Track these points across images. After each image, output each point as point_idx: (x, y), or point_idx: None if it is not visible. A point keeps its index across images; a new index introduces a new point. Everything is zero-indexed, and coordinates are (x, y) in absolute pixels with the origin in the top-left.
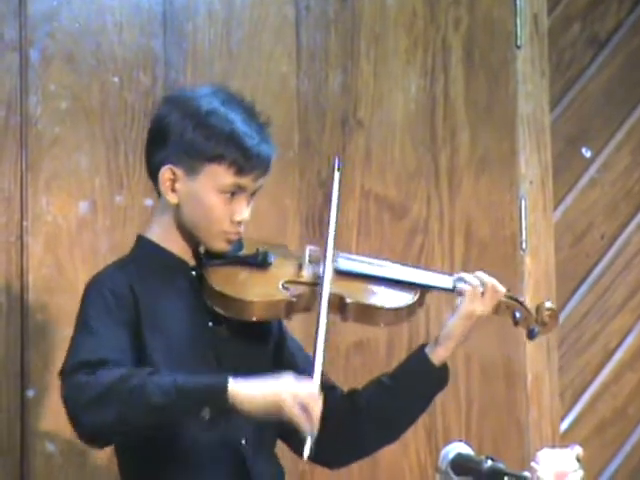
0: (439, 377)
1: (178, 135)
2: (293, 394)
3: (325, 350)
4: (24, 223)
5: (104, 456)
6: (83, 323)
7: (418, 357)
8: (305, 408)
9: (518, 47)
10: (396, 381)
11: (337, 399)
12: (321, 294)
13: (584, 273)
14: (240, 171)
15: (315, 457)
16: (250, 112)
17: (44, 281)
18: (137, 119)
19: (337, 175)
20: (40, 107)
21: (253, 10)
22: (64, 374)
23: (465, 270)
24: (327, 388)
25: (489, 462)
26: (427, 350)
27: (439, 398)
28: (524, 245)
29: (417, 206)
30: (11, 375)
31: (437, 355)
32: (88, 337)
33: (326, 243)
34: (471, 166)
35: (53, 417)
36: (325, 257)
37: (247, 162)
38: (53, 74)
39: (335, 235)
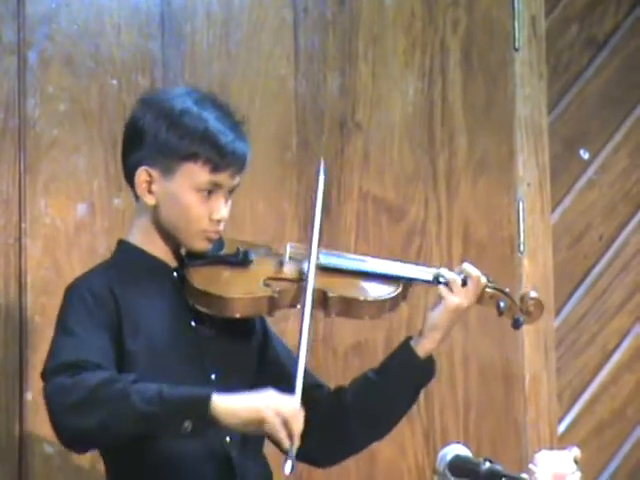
0: (425, 369)
1: (152, 136)
2: (275, 410)
3: (308, 349)
4: (22, 225)
5: (101, 458)
6: (64, 326)
7: (403, 350)
8: (286, 424)
9: (516, 49)
10: (382, 375)
11: (324, 397)
12: (305, 294)
13: (582, 275)
14: (215, 168)
15: (304, 455)
16: (224, 111)
17: (42, 283)
18: None
19: (322, 178)
20: (38, 109)
21: (251, 12)
22: (46, 376)
23: None
24: (313, 386)
25: (487, 464)
26: (412, 343)
27: (437, 399)
28: (522, 247)
29: (415, 208)
30: (9, 377)
31: (422, 347)
32: (69, 339)
33: (311, 240)
34: (469, 168)
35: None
36: (310, 252)
37: (222, 159)
38: (51, 76)
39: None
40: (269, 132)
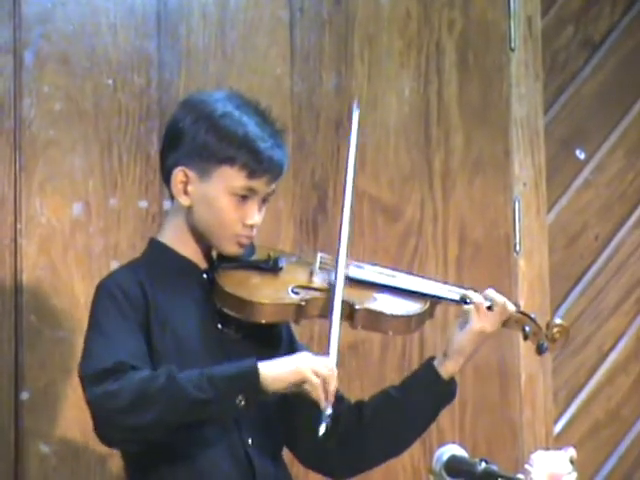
0: (447, 391)
1: (191, 137)
2: (315, 371)
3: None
4: (18, 225)
5: (98, 457)
6: (96, 325)
7: (427, 370)
8: (324, 384)
9: (512, 49)
10: (403, 393)
11: (344, 410)
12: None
13: (578, 275)
14: (252, 174)
15: (321, 467)
16: (264, 117)
17: (38, 283)
18: (131, 121)
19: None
20: (34, 109)
21: (247, 11)
22: (86, 384)
23: (459, 273)
24: (335, 399)
25: (483, 464)
26: (436, 363)
27: None
28: (518, 247)
29: (411, 208)
30: (5, 377)
31: (446, 369)
32: (103, 340)
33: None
34: (465, 168)
35: (47, 418)
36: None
37: (259, 165)
38: (47, 76)
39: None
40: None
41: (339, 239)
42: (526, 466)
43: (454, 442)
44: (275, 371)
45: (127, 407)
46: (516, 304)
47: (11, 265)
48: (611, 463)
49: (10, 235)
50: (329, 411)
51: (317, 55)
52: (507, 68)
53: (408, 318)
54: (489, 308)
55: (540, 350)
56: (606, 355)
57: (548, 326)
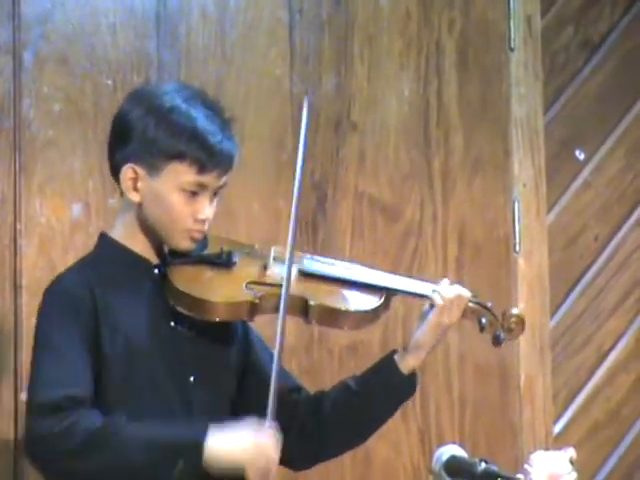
0: (407, 386)
1: (140, 132)
2: (257, 470)
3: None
4: (18, 226)
5: None
6: (46, 343)
7: (387, 364)
8: (265, 476)
9: (512, 50)
10: (363, 387)
11: (302, 401)
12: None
13: (577, 275)
14: (202, 169)
15: (280, 459)
16: (213, 109)
17: (37, 283)
18: None
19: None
20: (33, 110)
21: (247, 12)
22: (34, 412)
23: (459, 273)
24: (292, 389)
25: (483, 464)
26: (396, 358)
27: (432, 399)
28: (517, 247)
29: (411, 209)
30: (5, 377)
31: (406, 364)
32: (54, 365)
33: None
34: (465, 169)
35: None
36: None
37: (209, 160)
38: (46, 76)
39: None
40: (264, 132)
41: (290, 235)
42: (526, 466)
43: (454, 442)
44: (221, 454)
45: (69, 453)
46: (473, 294)
47: (11, 265)
48: (611, 463)
49: (10, 235)
50: None
51: (316, 55)
52: (507, 68)
53: (363, 313)
54: (444, 300)
55: (497, 341)
56: (606, 355)
57: (504, 316)
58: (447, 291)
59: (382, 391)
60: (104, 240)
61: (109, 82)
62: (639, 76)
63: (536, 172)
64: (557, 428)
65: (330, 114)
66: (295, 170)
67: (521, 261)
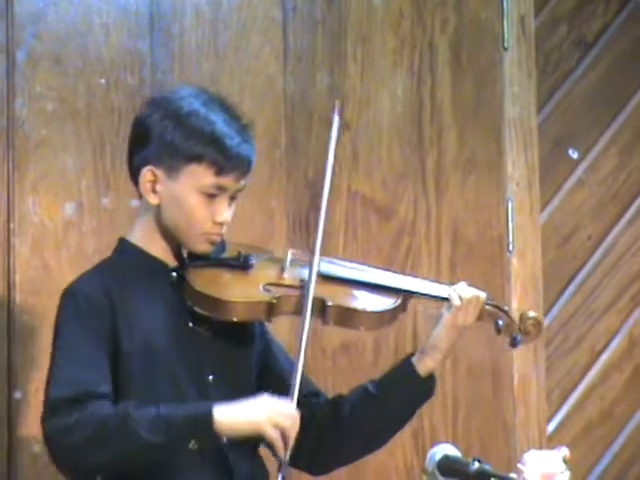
0: (425, 388)
1: (158, 136)
2: (274, 422)
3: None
4: (11, 225)
5: None
6: (62, 344)
7: (404, 367)
8: (283, 435)
9: (505, 49)
10: (381, 390)
11: (321, 406)
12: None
13: (571, 274)
14: (220, 171)
15: (298, 463)
16: (232, 113)
17: (30, 282)
18: (124, 121)
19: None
20: (26, 109)
21: (240, 11)
22: (47, 410)
23: (452, 272)
24: (311, 394)
25: (476, 464)
26: (413, 360)
27: None
28: (511, 247)
29: (404, 208)
30: None
31: (424, 365)
32: (68, 363)
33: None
34: (458, 168)
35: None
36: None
37: (227, 162)
38: (40, 76)
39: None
40: (258, 131)
41: (315, 237)
42: (519, 465)
43: (447, 442)
44: (231, 419)
45: (79, 445)
46: (489, 297)
47: (4, 264)
48: (604, 462)
49: (3, 234)
50: (286, 460)
51: (310, 54)
52: (500, 67)
53: (380, 314)
54: (462, 301)
55: (514, 343)
56: (599, 354)
57: (521, 319)
58: (464, 293)
59: (400, 394)
60: (123, 244)
61: (102, 82)
62: (632, 75)
63: (529, 171)
64: (550, 427)
65: (323, 113)
66: (288, 170)
67: (514, 260)
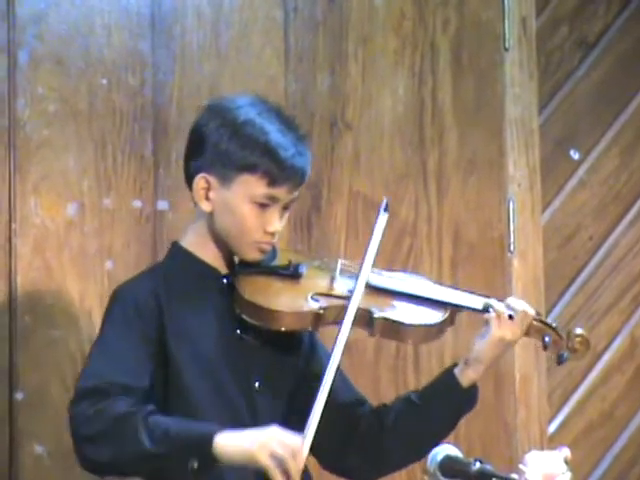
0: (467, 399)
1: (213, 144)
2: (270, 452)
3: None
4: (12, 225)
5: None
6: (102, 338)
7: (447, 378)
8: (282, 467)
9: (506, 49)
10: (424, 400)
11: (365, 414)
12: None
13: (572, 275)
14: (273, 182)
15: (340, 469)
16: (288, 124)
17: (32, 283)
18: (125, 121)
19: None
20: (28, 109)
21: (241, 12)
22: (75, 397)
23: (453, 273)
24: (355, 403)
25: (477, 464)
26: (456, 371)
27: None
28: (512, 247)
29: (405, 208)
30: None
31: (467, 377)
32: (103, 356)
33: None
34: (459, 168)
35: (42, 419)
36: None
37: (280, 173)
38: (41, 76)
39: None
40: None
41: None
42: (520, 466)
43: (448, 442)
44: (228, 444)
45: (90, 437)
46: (538, 313)
47: (6, 265)
48: (605, 463)
49: (5, 235)
50: None
51: (311, 55)
52: (501, 68)
53: (428, 328)
54: (510, 317)
55: (560, 360)
56: (600, 355)
57: (569, 336)
58: (513, 307)
59: (442, 404)
60: (175, 248)
61: (104, 82)
62: (633, 75)
63: (531, 172)
64: (552, 428)
65: (325, 114)
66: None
67: (516, 261)
